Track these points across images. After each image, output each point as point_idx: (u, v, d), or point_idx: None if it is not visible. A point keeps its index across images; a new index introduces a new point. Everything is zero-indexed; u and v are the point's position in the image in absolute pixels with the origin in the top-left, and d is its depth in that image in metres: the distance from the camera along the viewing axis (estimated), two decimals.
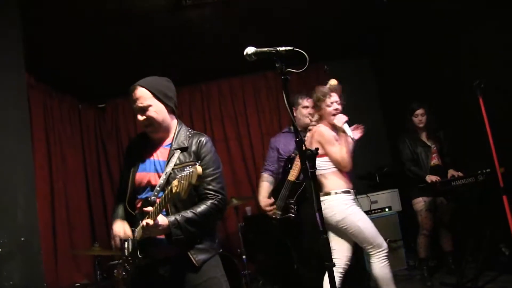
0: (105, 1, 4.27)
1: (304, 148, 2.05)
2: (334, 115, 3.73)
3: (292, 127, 4.50)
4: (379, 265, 3.58)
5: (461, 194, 4.80)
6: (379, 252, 3.59)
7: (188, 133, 2.62)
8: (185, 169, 2.12)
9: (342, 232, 3.62)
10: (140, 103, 2.52)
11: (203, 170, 2.31)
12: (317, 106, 3.88)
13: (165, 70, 6.00)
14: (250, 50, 2.20)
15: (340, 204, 3.60)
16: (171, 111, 2.63)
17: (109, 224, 6.36)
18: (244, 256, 5.23)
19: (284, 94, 2.11)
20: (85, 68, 5.70)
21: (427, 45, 5.57)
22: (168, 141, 2.62)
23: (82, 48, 5.09)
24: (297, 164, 4.15)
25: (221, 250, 2.73)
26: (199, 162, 2.35)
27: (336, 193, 3.64)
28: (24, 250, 3.28)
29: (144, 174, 2.58)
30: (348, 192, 3.66)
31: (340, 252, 3.68)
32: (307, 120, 4.38)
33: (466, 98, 4.21)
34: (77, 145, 6.43)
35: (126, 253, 2.53)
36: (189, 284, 2.47)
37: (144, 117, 2.53)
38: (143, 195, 2.56)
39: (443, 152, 5.01)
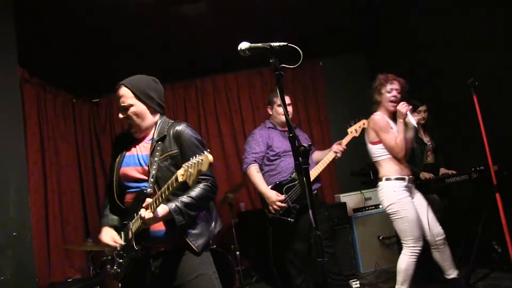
0: None
1: (297, 144, 2.04)
2: (392, 101, 3.89)
3: (272, 122, 4.53)
4: (407, 259, 3.68)
5: (455, 191, 4.82)
6: (412, 247, 3.68)
7: (167, 124, 2.64)
8: (192, 158, 2.12)
9: None
10: (121, 102, 2.57)
11: (186, 152, 2.49)
12: (377, 90, 3.99)
13: (160, 65, 6.07)
14: (244, 45, 2.20)
15: (389, 191, 3.76)
16: (154, 111, 2.66)
17: None
18: (238, 252, 5.23)
19: (278, 90, 2.11)
20: (79, 63, 5.67)
21: (422, 42, 5.58)
22: (150, 136, 2.66)
23: (76, 43, 5.06)
24: (313, 172, 4.22)
25: (218, 229, 2.72)
26: (179, 149, 2.52)
27: (387, 179, 3.80)
28: (16, 245, 3.27)
29: (128, 168, 2.61)
30: (402, 179, 3.77)
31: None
32: (283, 118, 4.37)
33: (460, 96, 4.22)
34: (70, 140, 6.40)
35: (118, 247, 2.52)
36: (180, 280, 2.48)
37: (124, 116, 2.58)
38: (132, 190, 2.59)
39: (438, 150, 5.02)
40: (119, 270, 2.51)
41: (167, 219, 2.37)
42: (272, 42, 2.17)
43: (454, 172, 4.54)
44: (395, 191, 3.73)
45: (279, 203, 4.05)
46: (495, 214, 3.69)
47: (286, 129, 4.41)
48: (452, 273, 3.89)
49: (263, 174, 4.32)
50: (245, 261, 5.76)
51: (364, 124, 4.26)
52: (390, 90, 3.90)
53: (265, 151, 4.36)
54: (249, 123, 6.90)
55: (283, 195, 4.10)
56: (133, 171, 2.59)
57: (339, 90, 7.05)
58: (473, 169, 4.25)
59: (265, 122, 4.61)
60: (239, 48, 2.19)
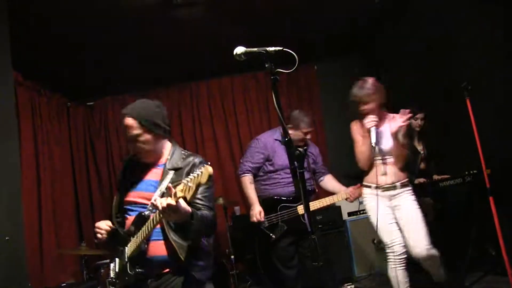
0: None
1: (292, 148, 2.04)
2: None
3: (282, 134, 4.46)
4: (388, 265, 3.73)
5: (448, 194, 4.84)
6: (388, 252, 3.74)
7: (182, 154, 2.67)
8: (191, 173, 2.13)
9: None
10: (128, 133, 2.56)
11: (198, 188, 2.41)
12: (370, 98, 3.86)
13: (154, 68, 6.07)
14: (239, 50, 2.20)
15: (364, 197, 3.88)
16: (161, 137, 2.65)
17: (96, 223, 6.36)
18: (232, 256, 5.22)
19: (273, 94, 2.11)
20: (74, 66, 5.66)
21: (416, 46, 5.60)
22: (161, 162, 2.66)
23: (71, 46, 5.05)
24: (316, 204, 4.22)
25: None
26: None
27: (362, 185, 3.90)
28: (8, 249, 3.25)
29: (139, 193, 2.61)
30: (368, 186, 3.83)
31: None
32: (300, 144, 4.33)
33: (453, 100, 4.24)
34: (65, 144, 6.38)
35: (112, 274, 2.54)
36: None
37: (132, 146, 2.59)
38: (132, 213, 2.58)
39: (430, 158, 5.04)
40: None
41: (183, 217, 2.29)
42: (267, 46, 2.18)
43: (447, 176, 4.56)
44: (365, 197, 3.85)
45: (255, 218, 4.13)
46: (489, 217, 3.70)
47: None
48: (438, 278, 3.86)
49: (256, 180, 4.34)
50: (239, 265, 5.74)
51: None
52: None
53: (262, 163, 4.34)
54: (244, 127, 6.90)
55: (263, 217, 4.15)
56: (143, 195, 2.59)
57: (333, 94, 7.03)
58: (466, 172, 4.28)
59: (276, 131, 4.52)
60: (234, 53, 2.19)
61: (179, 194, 2.12)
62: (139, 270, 2.41)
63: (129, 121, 2.54)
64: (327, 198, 4.24)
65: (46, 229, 5.37)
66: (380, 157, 3.74)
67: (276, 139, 4.42)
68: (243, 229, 5.88)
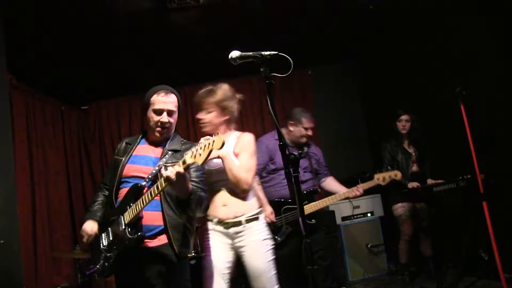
0: (89, 3, 4.24)
1: (287, 152, 2.05)
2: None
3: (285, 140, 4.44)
4: None
5: (442, 199, 4.86)
6: None
7: (181, 140, 2.88)
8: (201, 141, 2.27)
9: None
10: (171, 107, 2.77)
11: (194, 171, 2.69)
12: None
13: (149, 72, 6.07)
14: (235, 54, 2.21)
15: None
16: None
17: None
18: None
19: (268, 98, 2.12)
20: (68, 70, 5.65)
21: (410, 52, 5.63)
22: (162, 143, 2.82)
23: (66, 50, 5.05)
24: (317, 204, 4.16)
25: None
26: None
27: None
28: (3, 253, 3.24)
29: (135, 166, 2.71)
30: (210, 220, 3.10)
31: None
32: (303, 140, 4.35)
33: (447, 105, 4.26)
34: (59, 147, 6.36)
35: (105, 243, 2.61)
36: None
37: (167, 120, 2.74)
38: (127, 185, 2.65)
39: (423, 159, 5.07)
40: (106, 264, 2.56)
41: (185, 191, 2.49)
42: (262, 51, 2.19)
43: (441, 181, 4.58)
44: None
45: (268, 219, 3.97)
46: (482, 222, 3.72)
47: (298, 148, 4.39)
48: None
49: (261, 184, 4.29)
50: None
51: (396, 175, 4.27)
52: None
53: (266, 163, 4.29)
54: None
55: (275, 218, 4.08)
56: (138, 170, 2.70)
57: (327, 100, 7.09)
58: (460, 177, 4.29)
59: (275, 132, 4.46)
60: (230, 57, 2.21)
61: (189, 160, 2.25)
62: (141, 233, 2.49)
63: (174, 98, 2.81)
64: (329, 198, 4.21)
65: (40, 232, 5.34)
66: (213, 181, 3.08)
67: (276, 139, 4.41)
68: None
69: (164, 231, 2.58)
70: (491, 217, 3.68)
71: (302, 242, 4.12)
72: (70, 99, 6.63)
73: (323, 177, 4.56)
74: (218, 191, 3.04)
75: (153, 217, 2.58)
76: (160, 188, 2.37)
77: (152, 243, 2.58)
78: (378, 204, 5.90)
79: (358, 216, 5.80)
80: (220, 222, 3.00)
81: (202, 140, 2.31)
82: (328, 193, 4.42)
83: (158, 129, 2.75)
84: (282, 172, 4.21)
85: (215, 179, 3.03)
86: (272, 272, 3.00)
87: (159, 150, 2.78)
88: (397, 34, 5.89)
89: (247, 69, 3.29)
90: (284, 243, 4.07)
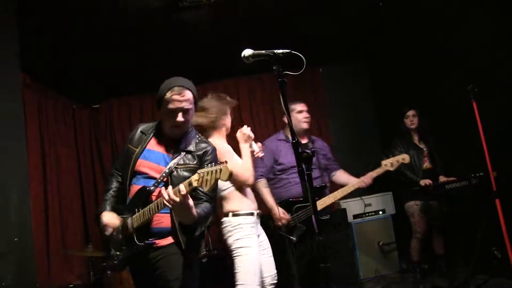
0: (101, 2, 4.26)
1: (300, 150, 2.05)
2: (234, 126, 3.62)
3: (285, 134, 4.44)
4: None
5: (454, 197, 4.83)
6: None
7: (196, 138, 2.74)
8: (209, 165, 2.22)
9: None
10: (186, 105, 2.58)
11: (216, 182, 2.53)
12: (219, 116, 3.57)
13: (160, 71, 6.06)
14: (247, 52, 2.21)
15: (235, 228, 3.23)
16: None
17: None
18: None
19: (281, 97, 2.12)
20: (80, 69, 5.68)
21: (422, 49, 5.60)
22: (176, 139, 2.70)
23: (78, 48, 5.08)
24: (329, 198, 4.14)
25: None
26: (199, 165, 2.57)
27: (234, 215, 3.27)
28: (17, 250, 3.27)
29: (147, 162, 2.65)
30: (250, 214, 3.30)
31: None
32: (304, 126, 4.34)
33: (460, 102, 4.24)
34: (71, 145, 6.40)
35: (114, 247, 2.61)
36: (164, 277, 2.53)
37: (182, 119, 2.59)
38: (138, 182, 2.63)
39: (434, 156, 5.04)
40: (116, 262, 2.58)
41: (188, 217, 2.41)
42: (273, 49, 2.19)
43: (453, 179, 4.55)
44: (241, 228, 3.22)
45: (283, 220, 4.01)
46: (495, 220, 3.70)
47: (302, 141, 4.39)
48: None
49: (270, 186, 4.27)
50: None
51: (403, 159, 4.22)
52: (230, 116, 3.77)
53: (271, 165, 4.30)
54: None
55: (288, 215, 4.06)
56: (149, 167, 2.63)
57: (339, 97, 7.06)
58: (472, 175, 4.27)
59: (279, 133, 4.53)
60: (242, 55, 2.21)
61: (194, 183, 2.19)
62: (148, 241, 2.48)
63: (190, 94, 2.61)
64: (340, 190, 4.19)
65: (53, 230, 5.39)
66: None
67: (279, 139, 4.43)
68: None
69: (172, 233, 2.54)
70: (504, 214, 3.66)
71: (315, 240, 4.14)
72: (81, 98, 6.68)
73: (333, 171, 4.55)
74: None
75: (162, 220, 2.54)
76: (163, 205, 2.35)
77: (161, 243, 2.54)
78: (389, 202, 5.88)
79: (370, 214, 5.78)
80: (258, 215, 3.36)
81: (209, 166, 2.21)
82: (341, 187, 4.37)
83: (173, 128, 2.65)
84: (290, 171, 4.25)
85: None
86: None
87: (172, 147, 2.68)
88: (408, 32, 5.85)
89: (258, 67, 3.28)
90: (300, 242, 4.03)
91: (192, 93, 2.63)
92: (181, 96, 2.57)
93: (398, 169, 4.52)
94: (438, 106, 5.22)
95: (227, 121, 3.62)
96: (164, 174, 2.57)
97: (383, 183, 5.57)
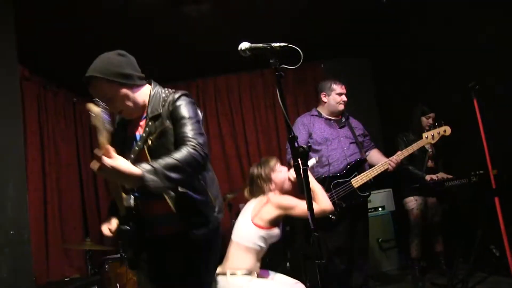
0: None
1: (296, 145, 2.03)
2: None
3: (318, 111, 4.41)
4: None
5: (454, 195, 4.82)
6: None
7: (164, 95, 2.36)
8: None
9: None
10: (101, 97, 2.18)
11: (176, 122, 2.21)
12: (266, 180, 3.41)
13: (161, 64, 6.07)
14: (244, 45, 2.19)
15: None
16: (138, 86, 2.39)
17: (102, 218, 6.38)
18: None
19: (277, 90, 2.10)
20: (80, 62, 5.63)
21: (424, 45, 5.58)
22: (145, 112, 2.38)
23: (78, 41, 5.06)
24: (366, 175, 4.06)
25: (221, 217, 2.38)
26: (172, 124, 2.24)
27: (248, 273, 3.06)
28: (14, 243, 3.27)
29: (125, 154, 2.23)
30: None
31: None
32: (340, 108, 4.31)
33: (461, 99, 4.22)
34: (71, 139, 6.40)
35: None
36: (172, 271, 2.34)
37: (113, 108, 2.29)
38: None
39: (438, 156, 5.02)
40: (124, 255, 2.47)
41: (133, 178, 1.89)
42: (273, 42, 2.17)
43: (450, 177, 4.54)
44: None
45: None
46: (494, 218, 3.68)
47: (336, 118, 4.37)
48: None
49: None
50: None
51: (445, 131, 4.10)
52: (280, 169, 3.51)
53: (307, 139, 4.22)
54: (250, 124, 6.90)
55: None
56: (128, 154, 2.29)
57: None
58: (472, 173, 4.25)
59: (312, 110, 4.48)
60: (239, 48, 2.18)
61: (104, 143, 1.81)
62: (126, 227, 2.22)
63: (97, 81, 2.24)
64: (371, 170, 4.10)
65: (52, 223, 5.40)
66: None
67: (312, 115, 4.40)
68: None
69: (175, 216, 2.22)
70: (503, 213, 3.64)
71: (354, 220, 4.05)
72: (82, 91, 6.66)
73: (368, 150, 4.47)
74: None
75: (158, 206, 2.24)
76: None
77: (167, 231, 2.32)
78: (389, 198, 5.87)
79: (370, 210, 5.74)
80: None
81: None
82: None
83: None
84: (323, 147, 4.16)
85: None
86: None
87: (144, 123, 2.34)
88: (410, 27, 5.84)
89: (260, 62, 3.27)
90: (337, 223, 3.93)
91: (101, 77, 2.25)
92: (90, 90, 2.31)
93: (402, 164, 4.51)
94: (439, 102, 5.19)
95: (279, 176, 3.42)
96: (132, 156, 2.26)
97: (384, 179, 5.56)
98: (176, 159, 1.99)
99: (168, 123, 2.26)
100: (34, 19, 4.37)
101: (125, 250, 2.41)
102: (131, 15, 4.69)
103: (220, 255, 2.43)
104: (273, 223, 3.19)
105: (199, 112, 2.37)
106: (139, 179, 1.87)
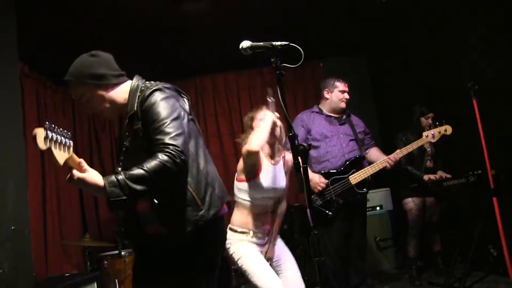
0: None
1: (296, 143, 2.05)
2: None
3: (319, 107, 4.42)
4: None
5: (452, 194, 4.84)
6: None
7: (139, 92, 2.25)
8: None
9: None
10: (78, 99, 2.26)
11: (150, 124, 2.07)
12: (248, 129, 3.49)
13: (159, 63, 6.07)
14: (245, 44, 2.21)
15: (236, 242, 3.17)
16: (115, 85, 2.32)
17: (100, 215, 6.39)
18: None
19: (278, 89, 2.11)
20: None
21: (422, 44, 5.59)
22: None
23: (78, 39, 5.06)
24: (364, 172, 4.05)
25: (213, 213, 2.24)
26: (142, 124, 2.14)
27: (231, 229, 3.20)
28: (14, 239, 3.28)
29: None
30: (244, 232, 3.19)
31: None
32: (342, 105, 4.33)
33: (459, 99, 4.23)
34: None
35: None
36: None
37: (93, 111, 2.30)
38: None
39: (437, 159, 5.04)
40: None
41: (98, 190, 1.90)
42: (273, 41, 2.18)
43: (449, 176, 4.55)
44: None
45: (319, 187, 3.93)
46: (492, 218, 3.70)
47: (337, 115, 4.37)
48: None
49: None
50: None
51: (446, 130, 4.07)
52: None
53: (305, 136, 4.23)
54: None
55: (327, 181, 3.97)
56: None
57: None
58: (470, 173, 4.27)
59: (313, 107, 4.50)
60: (240, 47, 2.20)
61: (64, 158, 1.83)
62: (116, 228, 2.25)
63: (72, 85, 2.25)
64: (370, 167, 4.10)
65: (50, 219, 5.40)
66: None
67: (313, 111, 4.41)
68: None
69: (155, 215, 2.18)
70: (501, 213, 3.66)
71: (352, 216, 4.06)
72: None
73: (368, 147, 4.48)
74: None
75: (142, 203, 2.20)
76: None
77: (151, 230, 2.26)
78: (387, 197, 5.88)
79: (367, 209, 5.76)
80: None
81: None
82: None
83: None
84: (322, 144, 4.18)
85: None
86: None
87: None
88: (408, 26, 5.85)
89: (258, 60, 3.28)
90: (334, 218, 3.95)
91: (74, 80, 2.25)
92: (73, 97, 2.31)
93: (400, 164, 4.52)
94: (438, 102, 5.21)
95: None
96: (122, 157, 2.27)
97: (382, 179, 5.58)
98: (144, 170, 1.92)
99: (138, 124, 2.16)
100: (34, 16, 4.37)
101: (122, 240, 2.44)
102: (130, 13, 4.70)
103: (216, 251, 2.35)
104: (244, 174, 3.28)
105: (179, 103, 2.24)
106: (103, 190, 1.87)
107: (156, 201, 2.12)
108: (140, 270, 2.40)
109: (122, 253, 4.54)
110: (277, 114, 3.17)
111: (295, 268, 3.27)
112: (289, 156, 3.22)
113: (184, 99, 2.38)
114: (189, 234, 2.14)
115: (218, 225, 2.34)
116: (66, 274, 4.71)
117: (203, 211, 2.18)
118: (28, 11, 4.16)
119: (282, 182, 3.21)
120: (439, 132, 4.10)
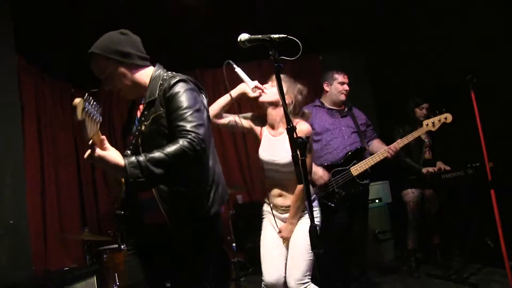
0: None
1: (295, 136, 2.05)
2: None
3: (321, 101, 4.40)
4: None
5: (451, 187, 4.85)
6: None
7: (161, 81, 2.28)
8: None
9: None
10: (99, 74, 2.30)
11: (173, 112, 2.12)
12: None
13: (159, 55, 6.04)
14: (244, 36, 2.20)
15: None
16: (138, 66, 2.35)
17: (99, 208, 6.39)
18: (234, 244, 5.25)
19: (276, 82, 2.12)
20: (78, 52, 5.64)
21: (420, 37, 5.59)
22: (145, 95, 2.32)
23: (76, 31, 5.05)
24: (365, 163, 4.02)
25: (215, 211, 2.27)
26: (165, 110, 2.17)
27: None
28: (12, 233, 3.29)
29: (130, 137, 2.34)
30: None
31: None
32: (342, 97, 4.30)
33: (458, 92, 4.23)
34: (68, 129, 6.38)
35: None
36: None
37: (110, 85, 2.32)
38: None
39: (435, 147, 5.05)
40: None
41: (118, 169, 1.92)
42: (272, 34, 2.18)
43: (448, 168, 4.56)
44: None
45: (322, 180, 3.86)
46: (489, 210, 3.71)
47: (338, 108, 4.36)
48: None
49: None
50: (240, 252, 5.78)
51: (446, 118, 4.05)
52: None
53: None
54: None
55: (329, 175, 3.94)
56: (129, 138, 2.33)
57: None
58: (468, 165, 4.27)
59: (315, 101, 4.46)
60: (238, 39, 2.20)
61: (92, 134, 1.83)
62: (121, 212, 2.25)
63: (97, 58, 2.28)
64: (370, 158, 4.05)
65: (50, 213, 5.40)
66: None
67: (315, 105, 4.38)
68: (245, 218, 5.93)
69: (156, 202, 2.18)
70: (498, 205, 3.67)
71: (354, 208, 4.03)
72: (80, 82, 6.64)
73: (370, 140, 4.46)
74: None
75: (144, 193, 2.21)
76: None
77: (150, 219, 2.28)
78: (386, 190, 5.89)
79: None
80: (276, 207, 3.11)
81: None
82: None
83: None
84: (323, 137, 4.16)
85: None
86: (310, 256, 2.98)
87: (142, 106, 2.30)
88: (406, 20, 5.84)
89: (258, 53, 3.26)
90: (336, 211, 3.91)
91: (101, 54, 2.28)
92: (91, 66, 2.35)
93: (399, 156, 4.52)
94: (436, 94, 5.21)
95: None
96: (134, 141, 2.26)
97: (381, 171, 5.58)
98: (165, 154, 1.96)
99: (161, 110, 2.19)
100: (32, 9, 4.35)
101: (122, 234, 2.44)
102: (130, 4, 4.68)
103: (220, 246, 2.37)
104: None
105: (200, 98, 2.28)
106: (123, 170, 1.90)
107: (165, 188, 2.15)
108: (142, 265, 2.44)
109: (122, 246, 4.56)
110: (254, 82, 3.40)
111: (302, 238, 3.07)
112: (301, 126, 3.13)
113: (203, 95, 2.39)
114: (190, 227, 2.19)
115: (217, 222, 2.35)
116: (66, 268, 4.73)
117: (207, 206, 2.23)
118: (25, 4, 4.15)
119: (282, 154, 3.04)
120: (439, 120, 4.09)
